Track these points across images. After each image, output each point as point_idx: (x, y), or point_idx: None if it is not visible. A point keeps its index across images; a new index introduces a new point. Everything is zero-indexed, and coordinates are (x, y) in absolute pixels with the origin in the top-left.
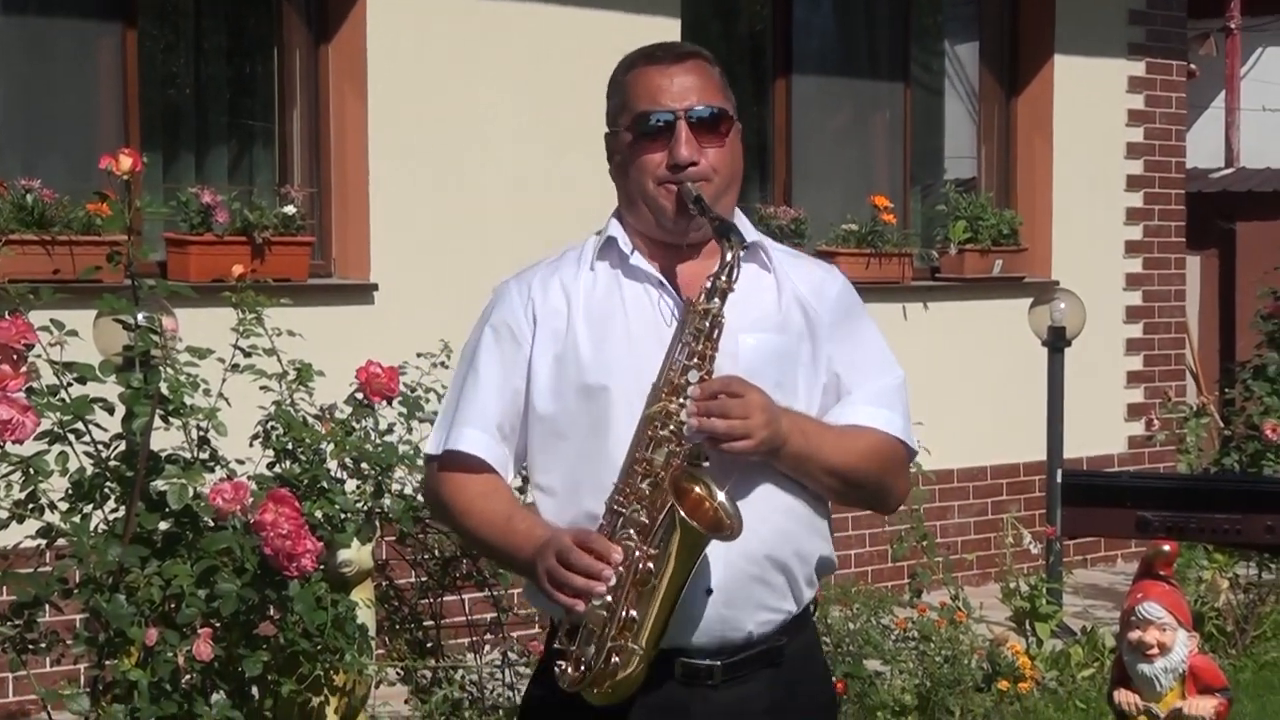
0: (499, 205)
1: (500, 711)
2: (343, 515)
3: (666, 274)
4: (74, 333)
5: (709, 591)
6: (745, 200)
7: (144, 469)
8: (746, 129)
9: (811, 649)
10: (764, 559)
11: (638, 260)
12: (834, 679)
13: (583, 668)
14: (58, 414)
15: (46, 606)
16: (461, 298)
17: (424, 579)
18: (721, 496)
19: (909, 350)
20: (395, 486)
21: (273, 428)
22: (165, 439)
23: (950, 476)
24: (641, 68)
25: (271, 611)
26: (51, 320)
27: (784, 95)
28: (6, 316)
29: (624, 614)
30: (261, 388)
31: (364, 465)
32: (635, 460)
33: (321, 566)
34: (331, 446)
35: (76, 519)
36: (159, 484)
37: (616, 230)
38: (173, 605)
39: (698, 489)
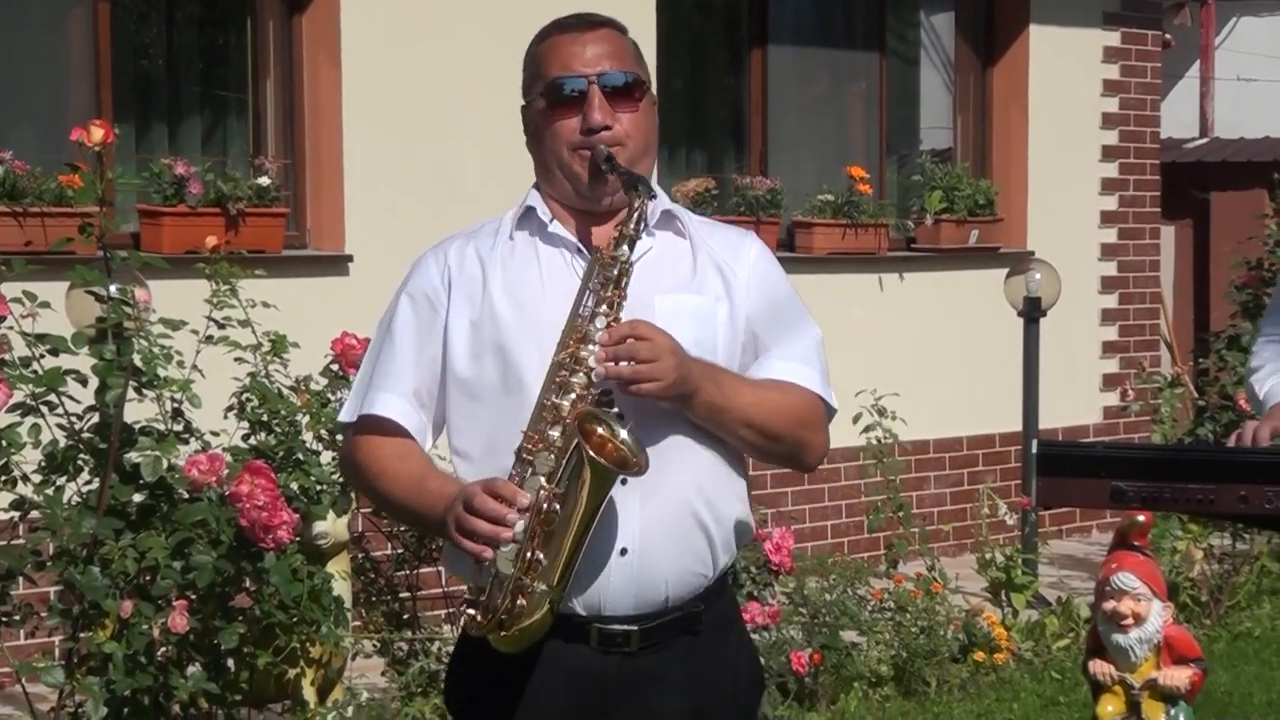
0: (474, 176)
1: None
2: (319, 487)
3: (584, 240)
4: (46, 304)
5: (624, 552)
6: (721, 170)
7: (117, 441)
8: (721, 99)
9: (730, 620)
10: (680, 517)
11: (556, 228)
12: (758, 657)
13: (490, 614)
14: (30, 386)
15: (20, 579)
16: None
17: (400, 551)
18: (625, 434)
19: (885, 321)
20: None
21: (247, 399)
22: (139, 411)
23: (926, 447)
24: (554, 37)
25: (247, 583)
26: (24, 292)
27: (760, 66)
28: None
29: (530, 555)
30: (236, 359)
31: (339, 437)
32: (543, 406)
33: (297, 538)
34: (307, 418)
35: (50, 491)
36: (133, 456)
37: (535, 200)
38: (147, 577)
39: (602, 429)
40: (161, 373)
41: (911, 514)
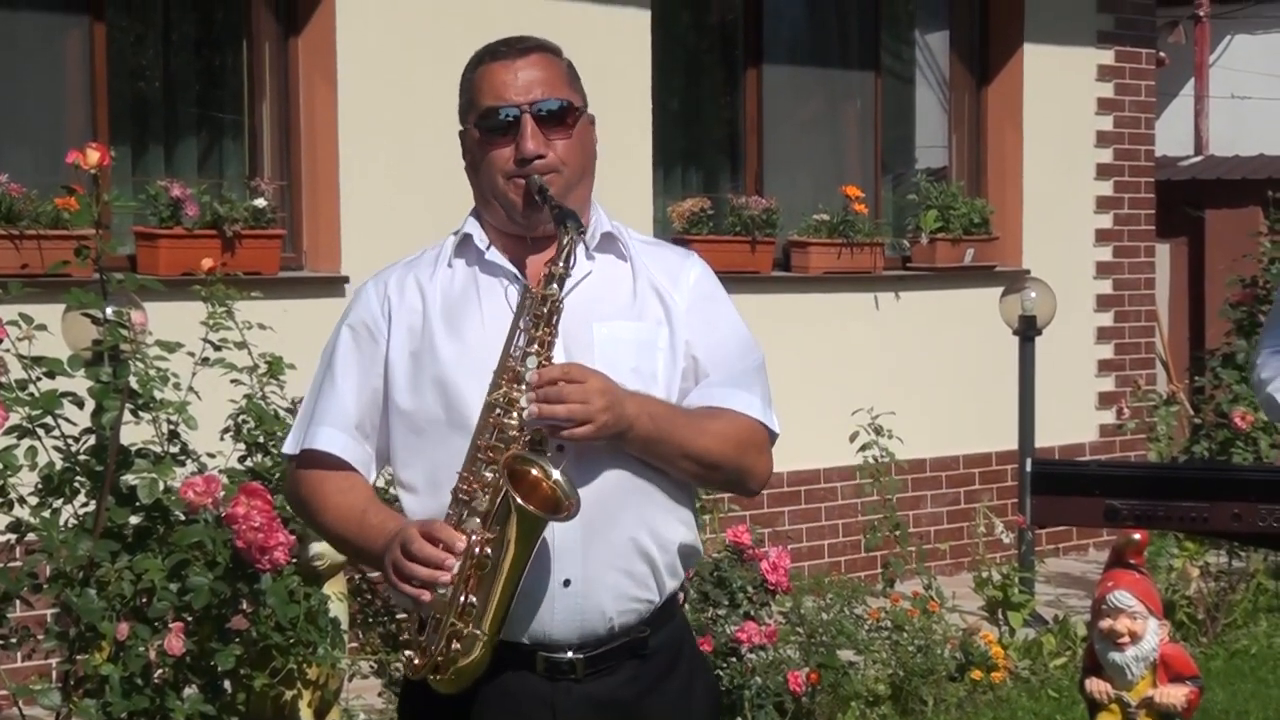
0: (469, 198)
1: None
2: None
3: (521, 266)
4: (43, 327)
5: (567, 583)
6: (717, 190)
7: (114, 463)
8: (717, 118)
9: (680, 641)
10: (622, 546)
11: (493, 255)
12: (714, 678)
13: (426, 656)
14: (26, 408)
15: (17, 601)
16: None
17: None
18: (557, 475)
19: (881, 340)
20: None
21: (244, 421)
22: (135, 433)
23: (923, 466)
24: (486, 64)
25: (244, 605)
26: (20, 314)
27: (755, 85)
28: None
29: (463, 599)
30: (232, 381)
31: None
32: (478, 448)
33: (294, 560)
34: None
35: (46, 514)
36: (129, 478)
37: (473, 227)
38: (144, 600)
39: (534, 470)
40: (158, 395)
41: (908, 533)
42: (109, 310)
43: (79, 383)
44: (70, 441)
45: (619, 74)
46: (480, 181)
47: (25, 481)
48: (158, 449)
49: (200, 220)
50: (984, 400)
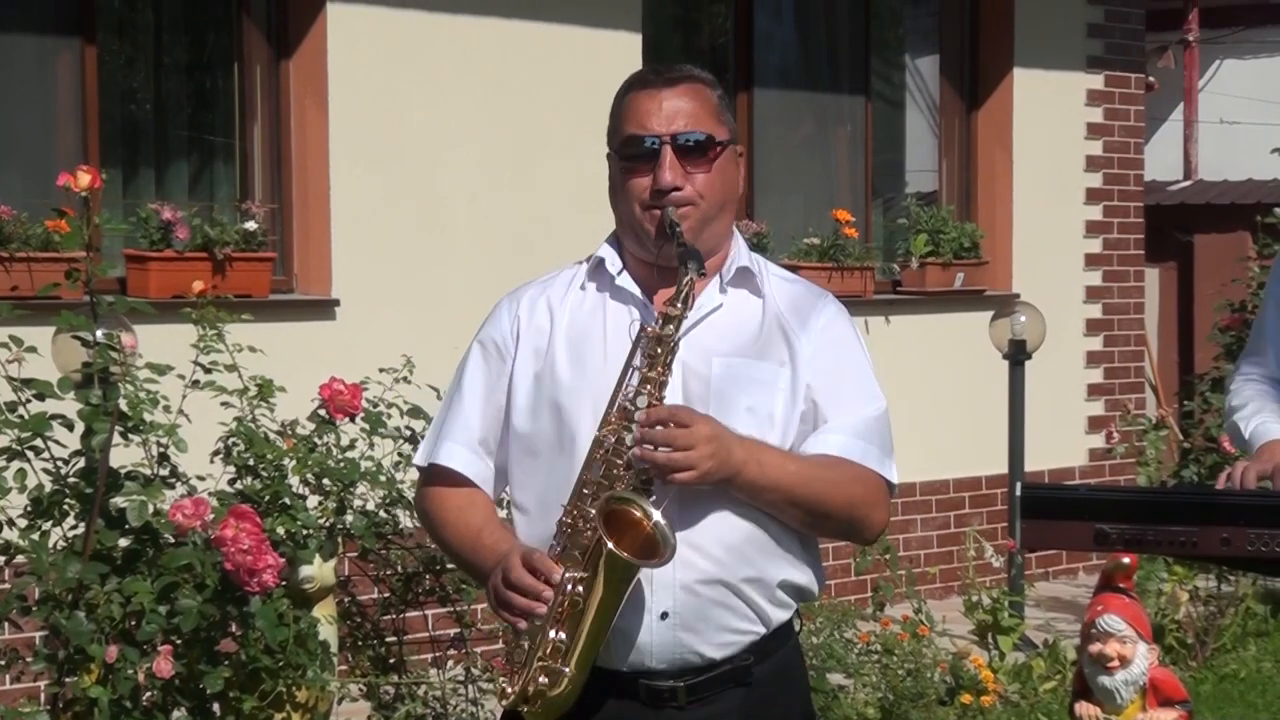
0: (461, 221)
1: None
2: (305, 531)
3: (651, 294)
4: (33, 349)
5: (664, 615)
6: None
7: (103, 486)
8: None
9: (788, 669)
10: (716, 584)
11: (624, 281)
12: (813, 704)
13: (517, 687)
14: (16, 431)
15: (6, 624)
16: (423, 313)
17: (386, 595)
18: (658, 517)
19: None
20: (357, 503)
21: (234, 444)
22: (125, 455)
23: (913, 490)
24: (635, 92)
25: (233, 628)
26: (10, 337)
27: (746, 109)
28: None
29: (554, 635)
30: (222, 404)
31: (326, 481)
32: (584, 482)
33: (283, 583)
34: (293, 463)
35: (35, 536)
36: (119, 501)
37: (606, 251)
38: (133, 622)
39: (635, 511)
40: (147, 417)
41: (898, 556)
42: (99, 333)
43: (69, 405)
44: (60, 464)
45: (610, 98)
46: (619, 208)
47: (14, 504)
48: (147, 471)
49: (191, 243)
50: (974, 424)
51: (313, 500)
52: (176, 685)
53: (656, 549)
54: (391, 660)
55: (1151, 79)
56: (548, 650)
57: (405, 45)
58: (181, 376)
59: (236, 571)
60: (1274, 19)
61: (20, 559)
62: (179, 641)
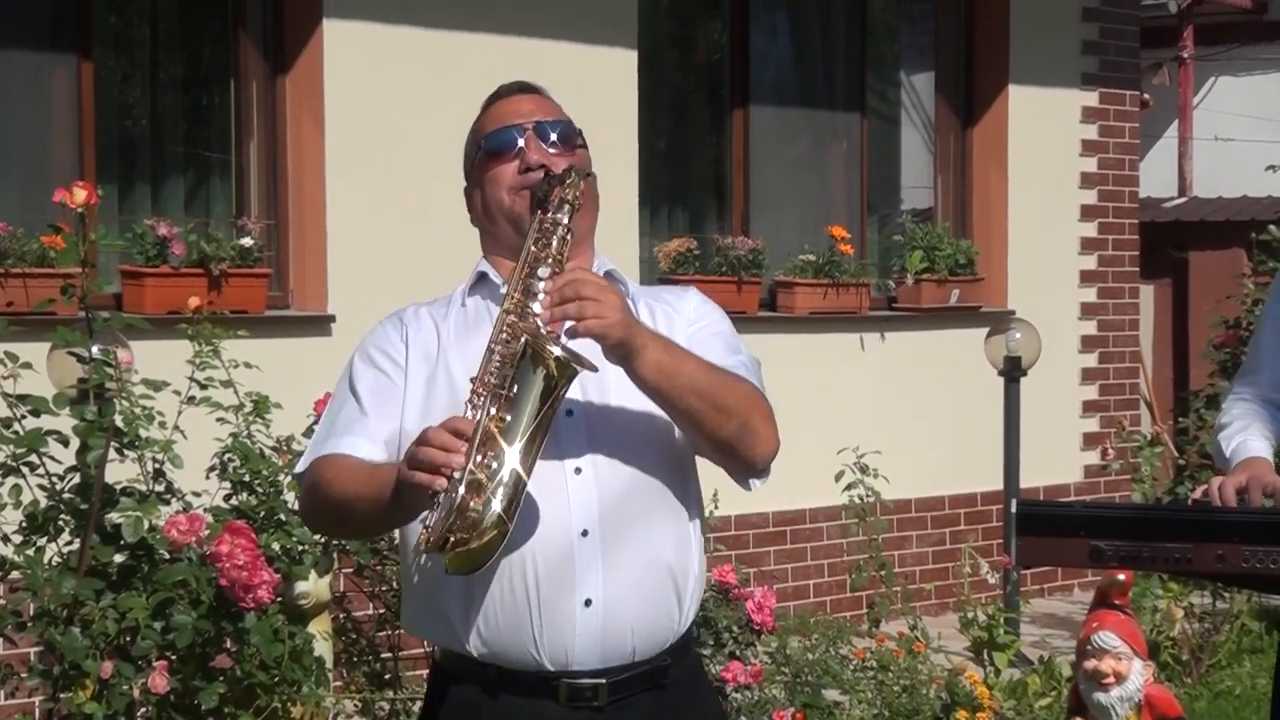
0: (457, 236)
1: None
2: (300, 547)
3: None
4: (28, 365)
5: (588, 603)
6: (703, 230)
7: (99, 502)
8: (703, 159)
9: (696, 677)
10: (645, 565)
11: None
12: (724, 714)
13: (436, 532)
14: (11, 446)
15: (0, 639)
16: None
17: (382, 611)
18: (559, 351)
19: (866, 380)
20: None
21: (229, 460)
22: (120, 471)
23: (908, 506)
24: (490, 105)
25: (228, 644)
26: (5, 352)
27: (741, 125)
28: None
29: (475, 475)
30: (218, 420)
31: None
32: (491, 353)
33: (278, 599)
34: (289, 478)
35: (30, 552)
36: (114, 517)
37: (486, 266)
38: (128, 638)
39: (551, 346)
40: (143, 433)
41: (894, 573)
42: (95, 349)
43: (64, 421)
44: (55, 480)
45: (605, 115)
46: (487, 207)
47: (9, 520)
48: (143, 487)
49: (187, 259)
50: (969, 441)
51: None
52: (171, 701)
53: (580, 362)
54: (386, 676)
55: (1146, 96)
56: (466, 488)
57: (401, 61)
58: (177, 392)
59: (232, 587)
60: (1268, 36)
61: (15, 575)
62: (174, 657)
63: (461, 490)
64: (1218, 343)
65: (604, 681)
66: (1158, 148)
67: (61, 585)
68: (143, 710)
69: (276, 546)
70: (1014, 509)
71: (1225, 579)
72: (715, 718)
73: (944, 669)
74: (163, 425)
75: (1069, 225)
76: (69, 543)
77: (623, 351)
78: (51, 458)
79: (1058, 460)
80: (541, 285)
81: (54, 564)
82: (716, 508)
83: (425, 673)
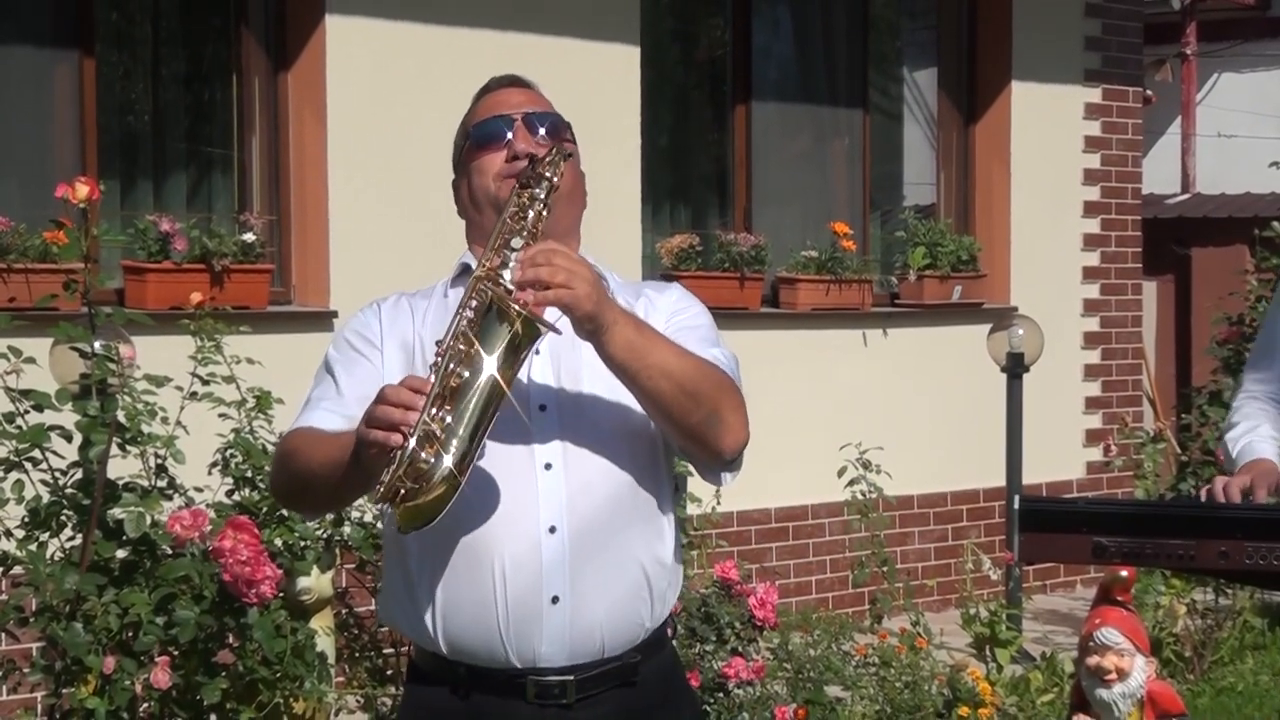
0: (458, 232)
1: None
2: (302, 543)
3: None
4: (31, 360)
5: (555, 600)
6: (705, 226)
7: (101, 497)
8: (705, 155)
9: (669, 673)
10: (614, 563)
11: None
12: (702, 709)
13: (387, 483)
14: (14, 442)
15: (2, 635)
16: None
17: None
18: (528, 310)
19: (869, 376)
20: (355, 514)
21: (232, 455)
22: (123, 467)
23: (911, 502)
24: (478, 99)
25: (230, 639)
26: (8, 348)
27: (744, 121)
28: None
29: (429, 427)
30: (220, 415)
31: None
32: (459, 316)
33: (281, 594)
34: None
35: (33, 547)
36: (116, 512)
37: (469, 257)
38: (130, 633)
39: (518, 307)
40: (145, 429)
41: (896, 569)
42: (97, 344)
43: (66, 416)
44: (57, 475)
45: (608, 110)
46: (473, 194)
47: (12, 515)
48: (145, 483)
49: (189, 254)
50: (972, 437)
51: None
52: (174, 696)
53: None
54: (389, 672)
55: (1149, 92)
56: (423, 441)
57: (403, 57)
58: (179, 388)
59: (234, 583)
60: (1271, 32)
61: (18, 570)
62: (176, 653)
63: (412, 443)
64: (1220, 339)
65: (571, 679)
66: (1161, 144)
67: (64, 580)
68: (145, 705)
69: (279, 542)
70: (1016, 505)
71: (1228, 575)
72: (690, 714)
73: (946, 665)
74: (165, 421)
75: (1072, 221)
76: (71, 538)
77: (592, 326)
78: (54, 453)
79: (1060, 456)
80: (514, 256)
81: (56, 559)
82: (719, 504)
83: None
